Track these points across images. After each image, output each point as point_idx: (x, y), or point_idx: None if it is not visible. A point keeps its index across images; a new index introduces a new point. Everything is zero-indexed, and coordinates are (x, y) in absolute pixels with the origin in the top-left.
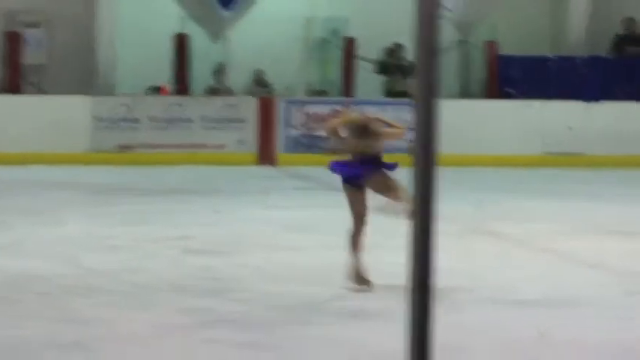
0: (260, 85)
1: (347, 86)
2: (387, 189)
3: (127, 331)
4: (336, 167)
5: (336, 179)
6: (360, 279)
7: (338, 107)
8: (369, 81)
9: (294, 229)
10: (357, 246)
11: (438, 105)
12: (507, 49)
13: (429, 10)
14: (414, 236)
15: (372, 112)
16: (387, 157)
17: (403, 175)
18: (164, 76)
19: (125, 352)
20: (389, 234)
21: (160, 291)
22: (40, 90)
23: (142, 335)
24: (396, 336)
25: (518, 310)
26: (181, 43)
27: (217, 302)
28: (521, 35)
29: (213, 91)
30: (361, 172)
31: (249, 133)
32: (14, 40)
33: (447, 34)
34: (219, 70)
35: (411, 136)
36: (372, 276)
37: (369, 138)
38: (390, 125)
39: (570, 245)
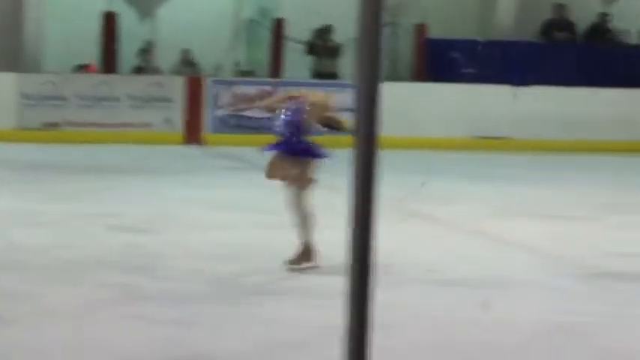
0: (187, 64)
1: (275, 67)
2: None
3: (53, 306)
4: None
5: (262, 159)
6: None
7: (266, 88)
8: (297, 62)
9: (220, 208)
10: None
11: (380, 86)
12: (436, 32)
13: None
14: (355, 218)
15: (303, 91)
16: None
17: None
18: (92, 54)
19: (51, 327)
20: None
21: (86, 267)
22: None
23: (69, 310)
24: (327, 312)
25: (448, 290)
26: (109, 21)
27: (144, 279)
28: (450, 18)
29: (140, 70)
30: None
31: (176, 112)
32: None
33: None
34: (146, 49)
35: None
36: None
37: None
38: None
39: (497, 227)
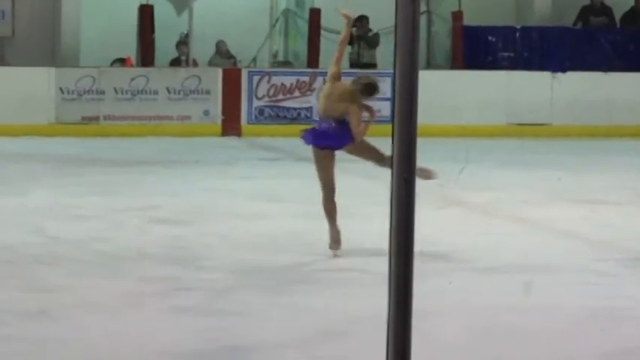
0: (223, 56)
1: (312, 57)
2: (365, 151)
3: (92, 299)
4: (307, 136)
5: (301, 149)
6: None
7: (304, 78)
8: (334, 52)
9: (259, 199)
10: (331, 212)
11: (417, 75)
12: (473, 19)
13: None
14: (395, 206)
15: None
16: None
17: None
18: (129, 47)
19: (91, 320)
20: (353, 202)
21: (127, 260)
22: (5, 62)
23: (108, 303)
24: (369, 301)
25: (489, 277)
26: (146, 14)
27: (185, 271)
28: (487, 5)
29: (176, 63)
30: (335, 143)
31: (214, 104)
32: None
33: None
34: (182, 42)
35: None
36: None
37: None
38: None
39: (537, 213)
